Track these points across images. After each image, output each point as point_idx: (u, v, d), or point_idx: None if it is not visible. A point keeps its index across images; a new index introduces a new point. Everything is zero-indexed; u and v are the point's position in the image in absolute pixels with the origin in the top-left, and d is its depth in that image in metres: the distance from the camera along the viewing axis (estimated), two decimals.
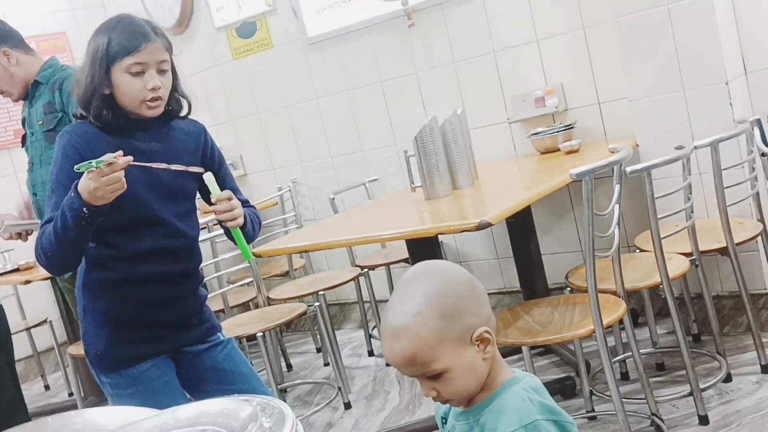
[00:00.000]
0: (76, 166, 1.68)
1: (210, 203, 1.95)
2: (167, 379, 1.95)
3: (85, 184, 1.69)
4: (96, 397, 3.87)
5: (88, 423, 0.85)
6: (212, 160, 2.05)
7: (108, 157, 1.67)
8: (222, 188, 1.93)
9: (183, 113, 2.01)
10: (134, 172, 1.78)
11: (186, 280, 2.01)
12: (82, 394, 3.96)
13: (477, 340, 1.08)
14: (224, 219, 1.90)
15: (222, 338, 2.07)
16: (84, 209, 1.71)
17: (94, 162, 1.65)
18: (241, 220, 1.91)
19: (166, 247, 1.93)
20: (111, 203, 1.74)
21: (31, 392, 4.59)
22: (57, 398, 4.47)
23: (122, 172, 1.68)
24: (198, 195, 2.05)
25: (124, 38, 1.83)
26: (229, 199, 1.90)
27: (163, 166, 1.83)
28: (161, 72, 1.88)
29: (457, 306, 1.08)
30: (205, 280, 2.16)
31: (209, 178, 1.87)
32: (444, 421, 1.25)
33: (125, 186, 1.73)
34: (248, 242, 1.97)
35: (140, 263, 1.90)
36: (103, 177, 1.66)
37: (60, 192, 1.79)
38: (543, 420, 1.07)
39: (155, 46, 1.86)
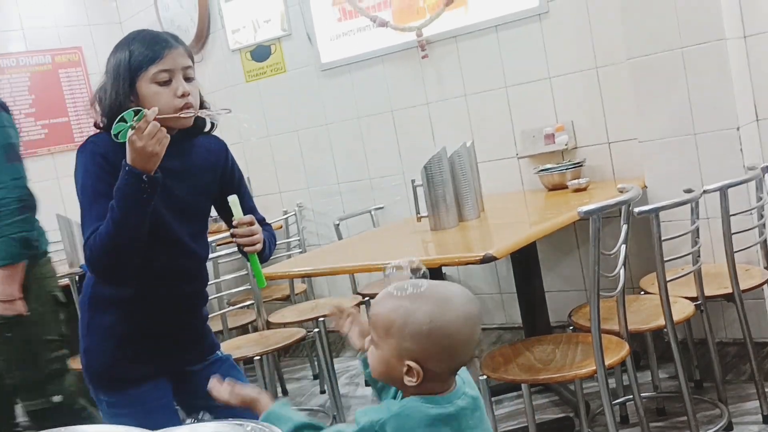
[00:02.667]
0: (112, 130, 1.63)
1: (230, 225, 1.90)
2: (165, 401, 1.92)
3: (132, 152, 1.64)
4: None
5: None
6: (232, 178, 2.01)
7: (133, 110, 1.64)
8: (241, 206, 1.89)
9: (206, 129, 1.96)
10: None
11: (193, 299, 1.98)
12: None
13: (407, 368, 1.19)
14: (243, 243, 1.86)
15: (220, 355, 2.05)
16: (144, 177, 1.65)
17: (128, 121, 1.63)
18: (259, 246, 1.88)
19: (178, 266, 1.89)
20: None
21: None
22: None
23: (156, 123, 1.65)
24: (216, 215, 2.01)
25: (145, 48, 1.78)
26: (251, 223, 1.86)
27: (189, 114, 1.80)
28: (187, 79, 1.82)
29: (429, 340, 1.18)
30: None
31: (234, 200, 1.84)
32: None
33: (166, 133, 1.67)
34: (263, 263, 1.93)
35: (151, 281, 1.85)
36: (144, 132, 1.62)
37: (102, 202, 1.71)
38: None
39: (178, 52, 1.81)
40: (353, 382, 4.00)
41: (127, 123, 1.64)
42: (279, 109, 4.51)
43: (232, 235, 1.89)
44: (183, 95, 1.79)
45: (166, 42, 1.80)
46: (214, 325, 3.50)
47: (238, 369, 2.08)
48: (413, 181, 3.32)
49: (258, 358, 3.13)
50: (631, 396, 2.58)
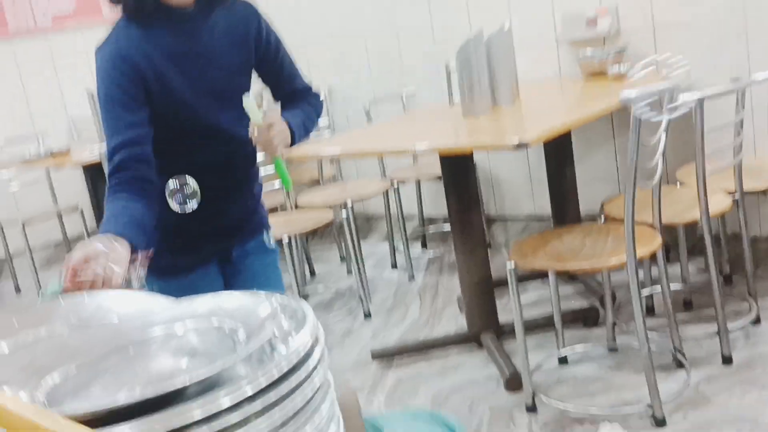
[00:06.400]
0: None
1: (275, 98, 1.77)
2: (216, 289, 1.84)
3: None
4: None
5: (100, 308, 0.82)
6: (268, 47, 1.76)
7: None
8: (279, 75, 1.74)
9: None
10: (176, 78, 1.58)
11: (244, 186, 1.82)
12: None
13: None
14: (263, 149, 1.66)
15: (269, 245, 1.92)
16: None
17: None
18: (281, 150, 1.67)
19: (222, 156, 1.71)
20: (156, 113, 1.57)
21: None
22: None
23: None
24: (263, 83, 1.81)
25: None
26: (269, 127, 1.63)
27: None
28: None
29: None
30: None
31: (249, 104, 1.62)
32: None
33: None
34: (300, 141, 1.74)
35: (195, 174, 1.67)
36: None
37: (117, 111, 1.55)
38: None
39: None
40: (380, 265, 4.04)
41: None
42: None
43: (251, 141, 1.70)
44: None
45: None
46: None
47: (279, 270, 1.98)
48: (447, 65, 3.23)
49: (287, 239, 3.14)
50: (658, 288, 2.57)
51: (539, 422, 2.36)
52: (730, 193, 2.69)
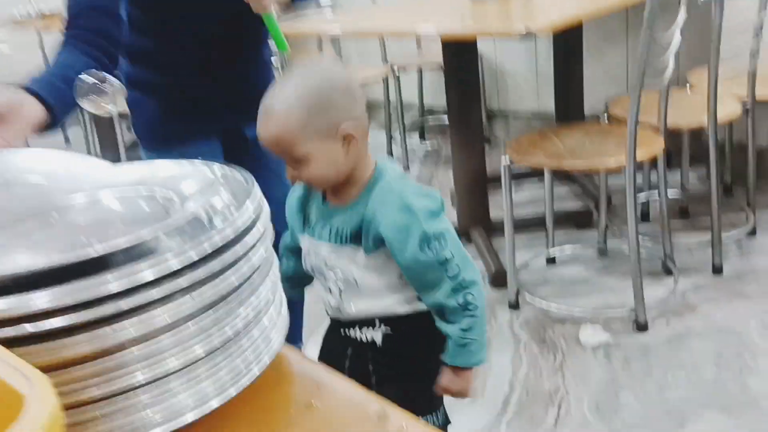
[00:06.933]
0: None
1: None
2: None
3: None
4: (113, 156, 3.87)
5: (23, 166, 0.74)
6: None
7: None
8: None
9: None
10: None
11: (242, 44, 1.64)
12: (99, 153, 3.95)
13: (342, 136, 1.10)
14: (249, 1, 1.46)
15: None
16: None
17: None
18: (272, 5, 1.48)
19: (221, 16, 1.55)
20: None
21: (52, 143, 4.59)
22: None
23: None
24: None
25: None
26: None
27: None
28: None
29: (327, 101, 1.09)
30: None
31: None
32: (304, 218, 1.21)
33: None
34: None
35: (187, 36, 1.54)
36: None
37: None
38: (410, 193, 1.11)
39: None
40: (375, 154, 3.95)
41: None
42: None
43: None
44: None
45: None
46: None
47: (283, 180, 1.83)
48: None
49: None
50: (656, 194, 2.50)
51: (520, 319, 2.35)
52: (741, 101, 2.57)
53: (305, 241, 1.20)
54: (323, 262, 1.17)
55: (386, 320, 1.17)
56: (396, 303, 1.16)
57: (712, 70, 2.30)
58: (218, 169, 0.69)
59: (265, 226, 0.65)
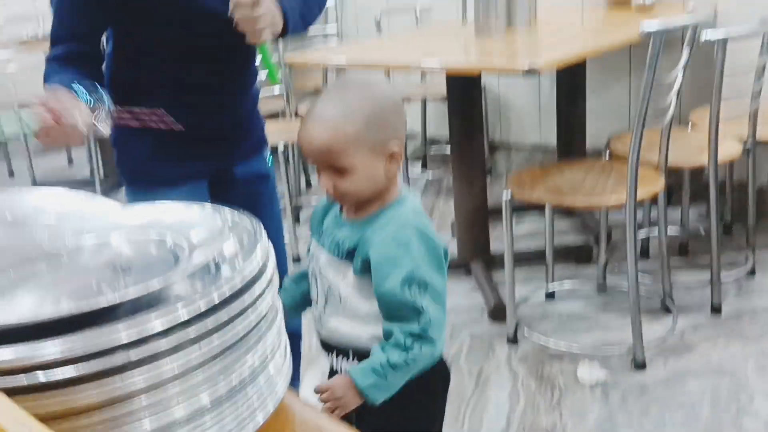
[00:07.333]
0: None
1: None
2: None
3: None
4: (116, 178, 3.88)
5: (37, 207, 0.75)
6: None
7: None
8: None
9: None
10: None
11: (234, 82, 1.57)
12: (102, 176, 3.97)
13: (388, 154, 1.10)
14: (245, 30, 1.39)
15: (266, 171, 1.69)
16: None
17: None
18: (266, 34, 1.40)
19: (206, 43, 1.46)
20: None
21: (55, 164, 4.62)
22: (78, 175, 4.50)
23: None
24: None
25: None
26: (254, 5, 1.35)
27: None
28: None
29: (383, 116, 1.10)
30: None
31: None
32: (321, 223, 1.23)
33: None
34: (292, 33, 1.49)
35: (175, 66, 1.47)
36: None
37: (64, 17, 1.39)
38: (414, 230, 1.10)
39: None
40: None
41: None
42: None
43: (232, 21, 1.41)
44: None
45: None
46: None
47: (277, 195, 1.75)
48: None
49: (282, 147, 3.06)
50: (656, 231, 2.51)
51: (518, 354, 2.34)
52: (742, 141, 2.59)
53: (312, 243, 1.21)
54: (319, 269, 1.18)
55: (360, 354, 1.15)
56: (373, 338, 1.13)
57: (713, 110, 2.32)
58: (227, 214, 0.70)
59: (272, 274, 0.66)
